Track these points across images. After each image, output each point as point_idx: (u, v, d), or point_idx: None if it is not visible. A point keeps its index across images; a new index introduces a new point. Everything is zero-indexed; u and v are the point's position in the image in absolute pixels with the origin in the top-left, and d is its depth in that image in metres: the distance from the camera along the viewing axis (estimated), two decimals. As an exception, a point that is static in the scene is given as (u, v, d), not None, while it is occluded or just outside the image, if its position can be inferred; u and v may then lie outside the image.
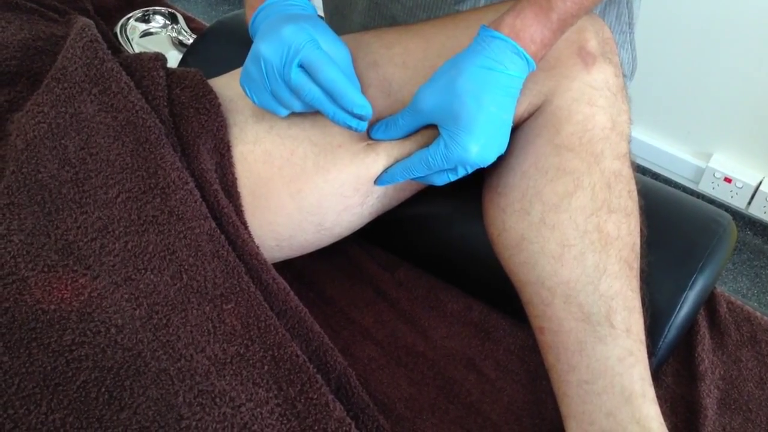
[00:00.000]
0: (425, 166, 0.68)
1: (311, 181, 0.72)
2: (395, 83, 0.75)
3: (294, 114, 0.73)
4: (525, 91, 0.70)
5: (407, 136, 0.73)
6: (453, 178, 0.70)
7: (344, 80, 0.68)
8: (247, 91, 0.71)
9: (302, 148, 0.73)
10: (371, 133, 0.73)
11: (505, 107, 0.66)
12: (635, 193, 0.72)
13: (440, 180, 0.70)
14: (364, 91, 0.74)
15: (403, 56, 0.76)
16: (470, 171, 0.68)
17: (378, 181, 0.73)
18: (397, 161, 0.73)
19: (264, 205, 0.73)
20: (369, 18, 0.97)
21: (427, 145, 0.70)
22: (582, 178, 0.69)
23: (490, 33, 0.66)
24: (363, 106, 0.69)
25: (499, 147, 0.67)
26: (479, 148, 0.65)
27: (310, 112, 0.73)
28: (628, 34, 0.93)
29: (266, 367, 0.64)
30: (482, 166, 0.68)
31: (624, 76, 0.91)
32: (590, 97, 0.70)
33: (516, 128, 0.73)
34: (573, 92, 0.70)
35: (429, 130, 0.73)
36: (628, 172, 0.72)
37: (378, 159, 0.73)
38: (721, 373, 0.82)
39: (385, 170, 0.73)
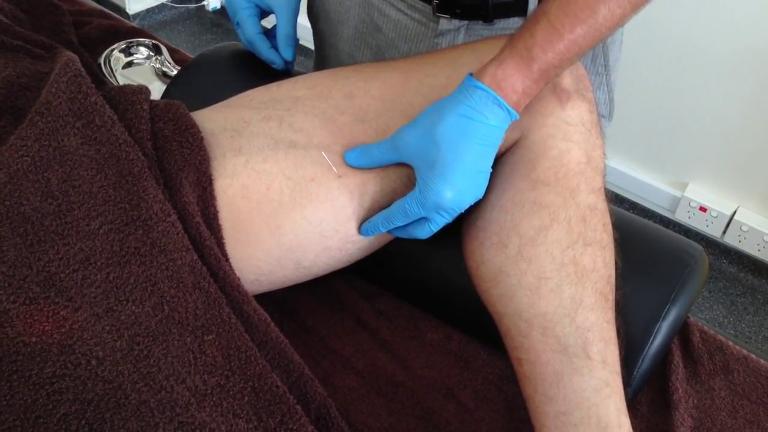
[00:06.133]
0: (403, 214, 0.70)
1: (289, 218, 0.73)
2: (371, 113, 0.76)
3: (268, 148, 0.74)
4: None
5: (382, 169, 0.75)
6: (434, 228, 0.71)
7: (258, 40, 0.95)
8: None
9: (277, 183, 0.73)
10: (346, 156, 0.74)
11: (482, 156, 0.67)
12: (610, 226, 0.74)
13: (422, 232, 0.72)
14: (337, 117, 0.76)
15: (380, 89, 0.77)
16: (449, 218, 0.70)
17: (362, 230, 0.74)
18: (373, 200, 0.74)
19: (244, 239, 0.73)
20: (354, 47, 0.99)
21: (404, 190, 0.72)
22: (558, 212, 0.70)
23: (472, 83, 0.67)
24: (272, 61, 0.96)
25: (474, 194, 0.69)
26: (454, 194, 0.67)
27: (282, 146, 0.74)
28: (604, 76, 0.95)
29: (246, 398, 0.65)
30: (458, 212, 0.69)
31: (602, 116, 0.93)
32: (565, 133, 0.72)
33: (494, 163, 0.74)
34: (548, 128, 0.72)
35: (408, 176, 0.74)
36: (603, 206, 0.73)
37: (353, 198, 0.74)
38: (695, 402, 0.83)
39: (368, 221, 0.74)
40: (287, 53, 0.96)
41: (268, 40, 0.96)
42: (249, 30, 0.95)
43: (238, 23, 0.96)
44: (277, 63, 0.97)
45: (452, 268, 0.84)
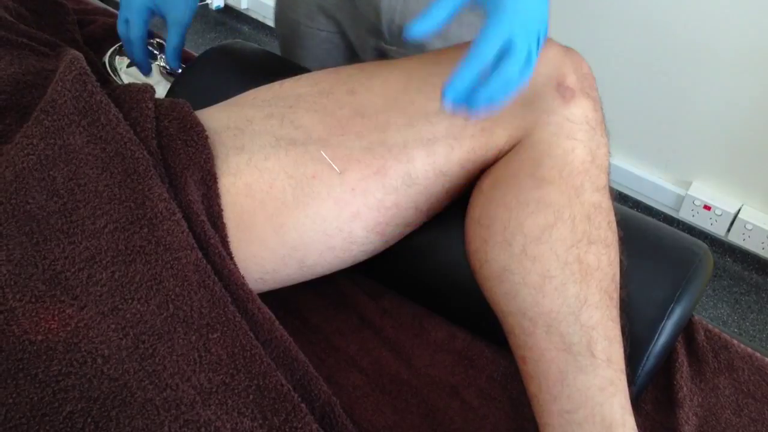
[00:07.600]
0: (478, 58, 0.62)
1: (293, 216, 0.73)
2: (371, 108, 0.76)
3: (269, 146, 0.74)
4: (505, 125, 0.71)
5: (382, 165, 0.74)
6: (520, 55, 0.62)
7: (139, 43, 0.99)
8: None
9: (280, 181, 0.73)
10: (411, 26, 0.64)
11: None
12: (614, 225, 0.74)
13: (511, 66, 0.62)
14: (336, 111, 0.75)
15: (382, 87, 0.77)
16: (531, 39, 0.63)
17: (445, 92, 0.64)
18: (375, 198, 0.74)
19: (248, 237, 0.74)
20: None
21: (407, 191, 0.73)
22: (562, 211, 0.70)
23: None
24: (142, 66, 1.03)
25: (542, 21, 0.64)
26: (525, 5, 0.62)
27: (283, 144, 0.74)
28: None
29: (251, 397, 0.65)
30: (534, 33, 0.63)
31: None
32: (570, 131, 0.72)
33: (498, 162, 0.75)
34: (552, 126, 0.72)
35: (409, 175, 0.74)
36: (607, 204, 0.73)
37: (355, 195, 0.74)
38: (700, 400, 0.83)
39: (449, 82, 0.63)
40: (174, 63, 1.00)
41: (145, 46, 1.01)
42: (135, 31, 0.98)
43: (127, 20, 0.98)
44: (145, 69, 1.05)
45: (456, 267, 0.84)
